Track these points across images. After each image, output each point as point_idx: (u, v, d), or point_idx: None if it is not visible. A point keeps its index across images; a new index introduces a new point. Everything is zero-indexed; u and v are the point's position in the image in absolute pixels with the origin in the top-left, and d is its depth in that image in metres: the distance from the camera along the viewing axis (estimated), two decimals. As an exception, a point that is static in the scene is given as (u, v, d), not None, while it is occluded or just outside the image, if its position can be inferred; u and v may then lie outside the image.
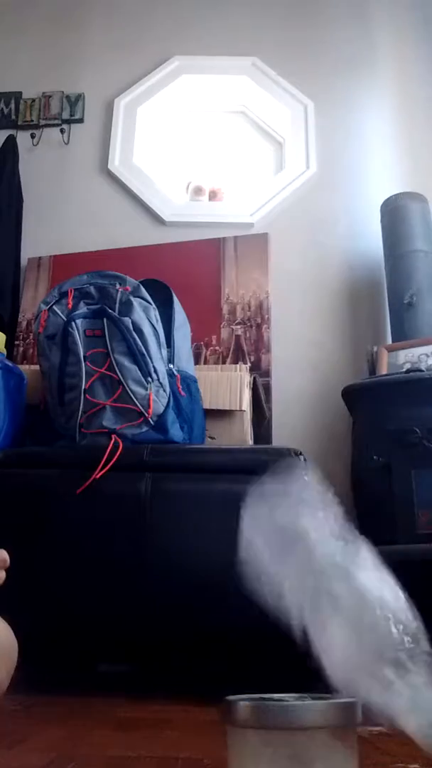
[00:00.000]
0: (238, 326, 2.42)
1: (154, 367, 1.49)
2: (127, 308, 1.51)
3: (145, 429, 1.46)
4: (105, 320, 1.49)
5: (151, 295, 1.59)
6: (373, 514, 1.81)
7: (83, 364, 1.46)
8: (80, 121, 2.76)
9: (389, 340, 2.26)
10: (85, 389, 1.45)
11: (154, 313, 1.57)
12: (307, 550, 0.55)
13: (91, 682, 1.33)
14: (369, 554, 0.56)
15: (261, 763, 0.43)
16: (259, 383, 2.06)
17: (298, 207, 2.60)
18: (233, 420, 1.83)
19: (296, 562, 0.55)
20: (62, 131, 2.73)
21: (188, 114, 2.93)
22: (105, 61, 2.83)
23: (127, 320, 1.49)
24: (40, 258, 2.51)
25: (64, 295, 1.56)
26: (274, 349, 2.38)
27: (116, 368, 1.45)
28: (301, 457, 1.63)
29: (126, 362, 1.46)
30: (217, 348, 2.37)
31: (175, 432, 1.50)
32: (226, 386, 1.85)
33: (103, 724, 0.99)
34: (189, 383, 1.69)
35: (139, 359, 1.47)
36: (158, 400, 1.48)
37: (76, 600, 1.28)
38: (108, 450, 1.34)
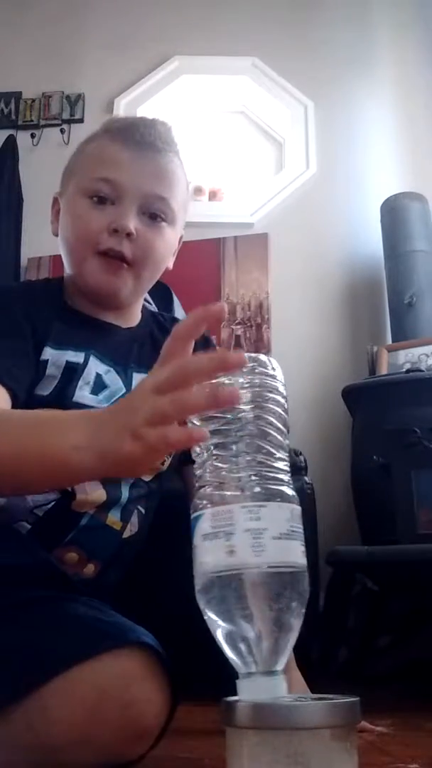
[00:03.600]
0: (238, 326, 2.42)
1: (154, 367, 1.49)
2: (127, 308, 1.51)
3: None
4: (105, 320, 1.49)
5: (150, 295, 1.58)
6: (373, 514, 1.81)
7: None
8: (80, 121, 2.76)
9: (389, 340, 2.26)
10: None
11: (154, 313, 1.57)
12: None
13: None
14: None
15: (260, 763, 0.43)
16: (259, 383, 2.05)
17: (298, 207, 2.60)
18: (233, 420, 1.82)
19: None
20: (62, 131, 2.73)
21: (188, 114, 2.93)
22: (105, 61, 2.83)
23: (127, 320, 1.49)
24: (40, 258, 2.51)
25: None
26: (274, 349, 2.38)
27: (116, 368, 1.45)
28: (301, 457, 1.63)
29: (126, 362, 1.46)
30: (217, 348, 2.37)
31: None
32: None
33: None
34: (189, 383, 1.68)
35: (139, 359, 1.47)
36: (158, 400, 1.48)
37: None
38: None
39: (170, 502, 1.12)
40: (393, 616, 1.74)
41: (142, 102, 2.79)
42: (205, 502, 0.52)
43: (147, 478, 0.90)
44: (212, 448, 0.53)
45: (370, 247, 2.46)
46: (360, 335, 2.41)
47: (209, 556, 0.50)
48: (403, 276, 2.21)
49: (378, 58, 2.78)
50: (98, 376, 0.88)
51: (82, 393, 0.86)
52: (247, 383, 0.53)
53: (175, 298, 1.77)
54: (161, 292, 1.71)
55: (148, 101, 2.80)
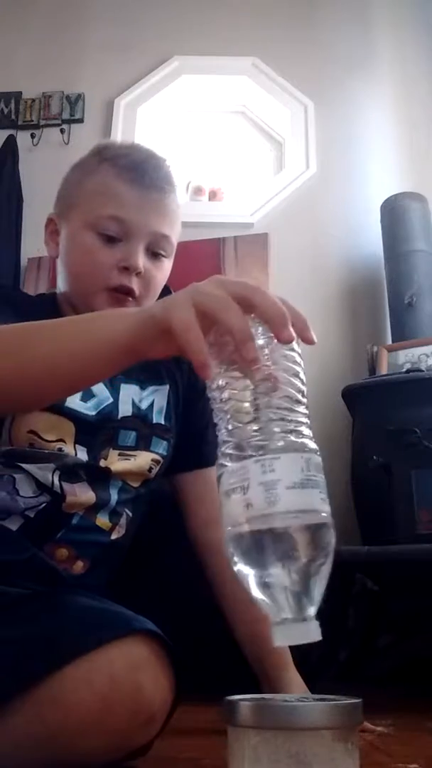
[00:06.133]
0: (238, 326, 2.41)
1: (153, 367, 1.49)
2: (127, 308, 1.51)
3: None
4: (105, 320, 1.49)
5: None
6: (373, 514, 1.81)
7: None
8: (80, 121, 2.76)
9: (389, 340, 2.26)
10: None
11: (154, 313, 1.57)
12: None
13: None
14: None
15: (261, 763, 0.43)
16: (259, 383, 2.05)
17: (298, 207, 2.60)
18: (233, 420, 1.82)
19: None
20: (62, 131, 2.73)
21: (188, 114, 2.93)
22: (105, 61, 2.83)
23: (127, 320, 1.49)
24: (40, 258, 2.50)
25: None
26: (274, 349, 2.38)
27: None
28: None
29: (126, 362, 1.46)
30: (217, 348, 2.37)
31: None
32: (226, 386, 1.85)
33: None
34: (189, 383, 1.69)
35: (139, 359, 1.47)
36: (158, 400, 1.48)
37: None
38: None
39: (170, 507, 1.13)
40: (393, 616, 1.74)
41: (142, 102, 2.79)
42: (224, 460, 0.53)
43: (135, 483, 0.92)
44: (229, 401, 0.53)
45: (370, 247, 2.46)
46: (360, 335, 2.41)
47: (229, 511, 0.50)
48: (403, 276, 2.21)
49: (378, 58, 2.78)
50: None
51: (74, 399, 0.88)
52: (265, 338, 0.53)
53: (175, 298, 1.77)
54: (161, 292, 1.71)
55: (148, 101, 2.80)
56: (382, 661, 1.68)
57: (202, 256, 2.47)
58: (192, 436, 0.99)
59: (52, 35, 2.86)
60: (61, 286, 0.98)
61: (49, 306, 0.98)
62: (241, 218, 2.60)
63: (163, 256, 0.96)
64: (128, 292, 0.92)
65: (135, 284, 0.92)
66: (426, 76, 2.74)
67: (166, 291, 1.76)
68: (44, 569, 0.79)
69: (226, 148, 2.86)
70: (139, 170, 0.93)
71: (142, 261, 0.92)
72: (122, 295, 0.92)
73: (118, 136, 2.71)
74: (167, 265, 0.98)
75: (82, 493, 0.86)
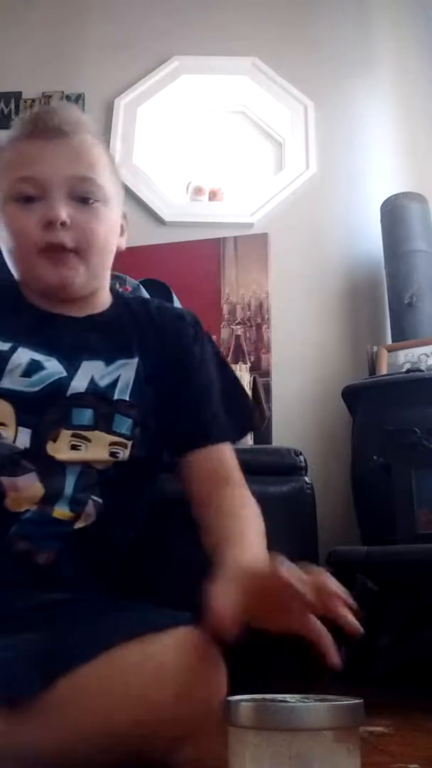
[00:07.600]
0: (238, 326, 2.42)
1: (154, 367, 1.49)
2: (127, 308, 1.50)
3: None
4: (105, 320, 1.48)
5: (151, 295, 1.58)
6: (373, 514, 1.81)
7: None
8: (80, 121, 2.76)
9: (389, 340, 2.26)
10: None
11: (154, 313, 1.57)
12: None
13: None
14: None
15: (262, 764, 0.43)
16: (259, 383, 2.06)
17: (298, 207, 2.60)
18: (233, 420, 1.82)
19: None
20: (62, 131, 2.73)
21: (188, 114, 2.92)
22: (105, 61, 2.82)
23: (127, 320, 1.49)
24: (40, 258, 2.50)
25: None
26: (274, 349, 2.38)
27: (116, 368, 1.45)
28: (301, 457, 1.62)
29: (126, 362, 1.45)
30: (217, 348, 2.37)
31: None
32: (226, 386, 1.85)
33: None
34: (189, 383, 1.68)
35: (139, 359, 1.46)
36: (158, 400, 1.48)
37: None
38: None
39: (168, 503, 1.12)
40: (393, 616, 1.73)
41: (142, 102, 2.79)
42: None
43: (99, 467, 0.86)
44: None
45: (370, 247, 2.46)
46: (360, 335, 2.41)
47: None
48: (403, 276, 2.21)
49: (378, 58, 2.78)
50: (34, 362, 0.86)
51: (12, 376, 0.84)
52: None
53: (175, 298, 1.77)
54: (161, 292, 1.71)
55: (148, 101, 2.79)
56: (382, 661, 1.68)
57: (202, 256, 2.47)
58: (181, 415, 0.93)
59: (52, 35, 2.86)
60: (13, 272, 0.93)
61: (12, 293, 0.94)
62: (241, 218, 2.60)
63: (93, 201, 0.89)
64: (59, 247, 0.86)
65: (65, 237, 0.86)
66: (426, 76, 2.74)
67: (166, 291, 1.76)
68: (11, 560, 0.77)
69: (226, 148, 2.86)
70: (35, 123, 0.89)
71: (63, 210, 0.85)
72: (56, 253, 0.87)
73: (118, 135, 2.71)
74: (104, 212, 0.90)
75: (27, 487, 0.80)
